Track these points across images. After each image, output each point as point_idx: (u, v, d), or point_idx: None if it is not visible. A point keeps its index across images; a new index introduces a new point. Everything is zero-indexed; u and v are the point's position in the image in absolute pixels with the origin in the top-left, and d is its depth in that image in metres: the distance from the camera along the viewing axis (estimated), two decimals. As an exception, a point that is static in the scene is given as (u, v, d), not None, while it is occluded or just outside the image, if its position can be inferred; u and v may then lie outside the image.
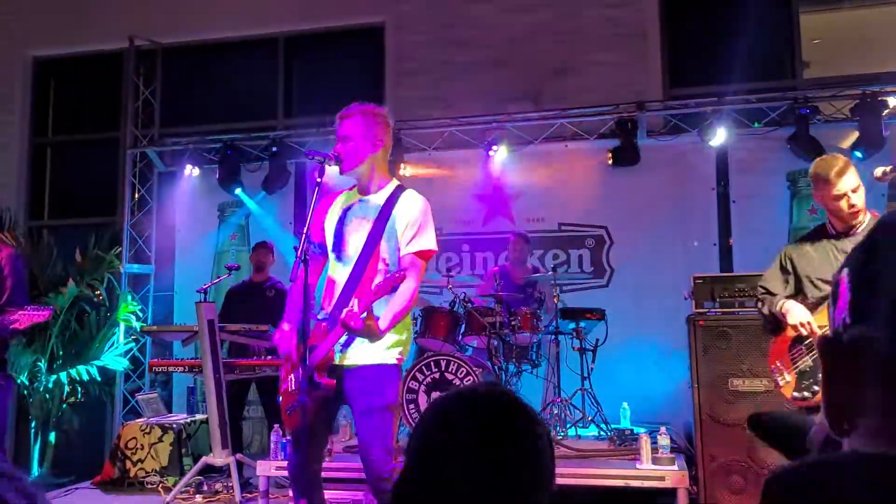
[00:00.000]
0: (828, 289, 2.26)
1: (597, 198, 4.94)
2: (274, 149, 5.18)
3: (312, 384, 2.12)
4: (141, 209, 5.64)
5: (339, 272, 2.24)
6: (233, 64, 5.98)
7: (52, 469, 4.97)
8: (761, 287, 2.44)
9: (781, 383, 2.33)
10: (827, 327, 2.46)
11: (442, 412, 0.84)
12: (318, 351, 2.15)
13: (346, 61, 5.83)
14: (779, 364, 2.34)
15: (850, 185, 2.26)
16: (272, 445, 3.60)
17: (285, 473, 3.52)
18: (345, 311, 2.04)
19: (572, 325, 4.15)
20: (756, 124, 4.70)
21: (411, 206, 2.21)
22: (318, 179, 2.19)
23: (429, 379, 3.81)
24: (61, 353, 5.06)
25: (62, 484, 4.47)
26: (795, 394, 2.26)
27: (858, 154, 4.36)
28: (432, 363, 3.82)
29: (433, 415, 0.85)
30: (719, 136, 4.59)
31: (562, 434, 3.84)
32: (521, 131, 5.01)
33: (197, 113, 6.01)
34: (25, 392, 4.94)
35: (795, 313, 2.24)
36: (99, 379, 5.01)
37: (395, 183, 2.29)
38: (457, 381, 3.75)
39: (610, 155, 4.76)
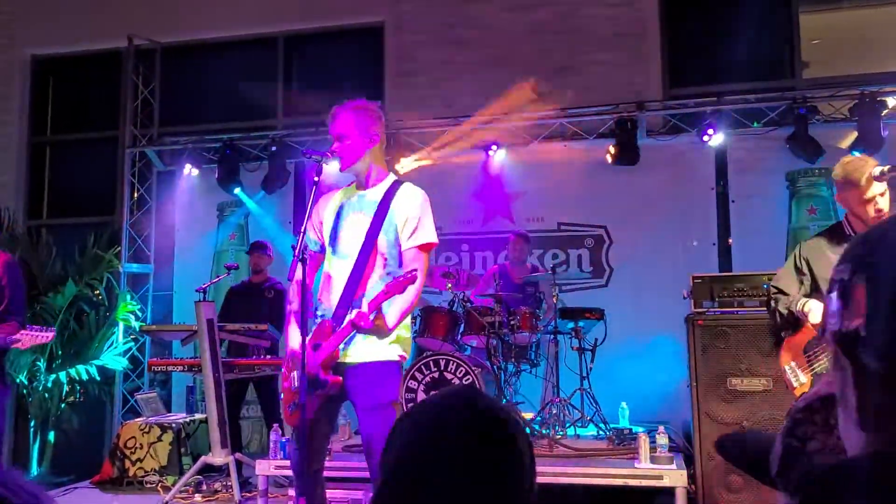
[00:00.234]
0: None
1: (596, 197, 4.94)
2: (273, 148, 5.18)
3: (318, 382, 2.13)
4: (140, 209, 5.64)
5: (337, 267, 2.23)
6: (232, 63, 5.98)
7: (52, 468, 4.97)
8: (774, 287, 2.40)
9: (795, 384, 2.30)
10: None
11: (415, 423, 0.82)
12: (323, 349, 2.15)
13: (346, 61, 5.83)
14: (793, 365, 2.31)
15: (879, 190, 2.22)
16: (271, 445, 3.60)
17: (284, 473, 3.53)
18: (354, 311, 2.05)
19: (571, 325, 4.16)
20: (755, 124, 4.71)
21: (410, 200, 2.21)
22: (316, 178, 2.19)
23: (428, 378, 3.82)
24: (60, 352, 5.06)
25: (61, 483, 4.47)
26: None
27: (857, 154, 4.36)
28: (431, 363, 3.82)
29: (406, 427, 0.83)
30: (718, 136, 4.60)
31: (560, 433, 3.84)
32: (521, 131, 5.02)
33: (196, 112, 6.00)
34: (24, 391, 4.94)
35: (817, 313, 2.21)
36: (98, 378, 5.01)
37: (392, 177, 2.29)
38: (456, 381, 3.75)
39: (610, 151, 4.75)
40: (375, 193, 2.24)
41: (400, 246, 2.19)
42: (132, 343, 5.35)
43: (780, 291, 2.38)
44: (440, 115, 5.05)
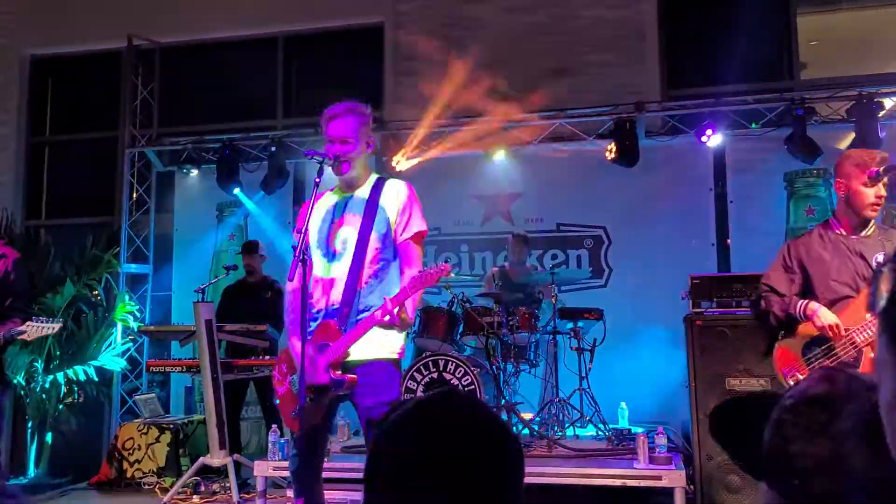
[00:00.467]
0: (845, 291, 2.26)
1: (595, 198, 4.95)
2: (273, 149, 5.17)
3: (333, 382, 2.13)
4: (139, 209, 5.63)
5: (332, 269, 2.23)
6: (232, 63, 5.98)
7: (49, 470, 4.95)
8: (765, 285, 2.37)
9: None
10: (850, 330, 2.40)
11: (398, 431, 0.81)
12: (333, 349, 2.15)
13: (346, 61, 5.84)
14: (794, 370, 2.28)
15: (871, 174, 2.24)
16: (270, 446, 3.60)
17: (283, 474, 3.53)
18: (376, 309, 2.08)
19: (570, 325, 4.16)
20: (753, 125, 4.72)
21: (398, 194, 2.26)
22: (317, 180, 2.20)
23: (427, 379, 3.81)
24: (58, 353, 5.05)
25: (59, 485, 4.46)
26: None
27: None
28: (430, 363, 3.82)
29: (390, 436, 0.81)
30: (717, 137, 4.61)
31: (560, 434, 3.84)
32: (520, 131, 5.02)
33: (196, 112, 6.00)
34: (22, 392, 4.92)
35: (824, 316, 2.19)
36: (96, 379, 5.00)
37: (374, 175, 2.34)
38: (455, 381, 3.75)
39: (610, 149, 4.75)
40: (363, 193, 2.28)
41: (392, 241, 2.24)
42: (131, 344, 5.34)
43: (773, 290, 2.35)
44: (440, 116, 5.05)
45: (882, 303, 0.55)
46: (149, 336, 5.12)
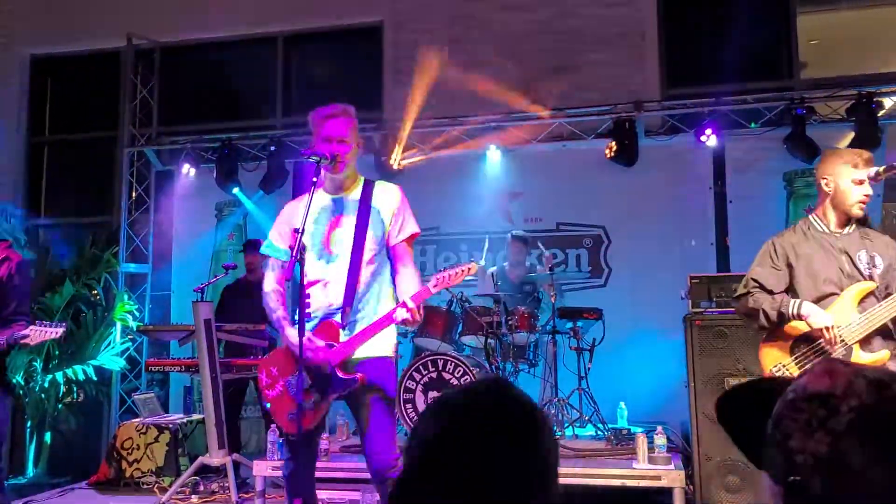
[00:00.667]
0: (830, 288, 2.26)
1: (594, 198, 4.94)
2: (272, 148, 5.17)
3: (338, 382, 2.13)
4: (138, 208, 5.63)
5: (327, 270, 2.23)
6: (231, 63, 5.98)
7: (48, 469, 4.96)
8: (754, 281, 2.36)
9: None
10: (842, 328, 2.41)
11: (443, 411, 0.82)
12: (339, 349, 2.16)
13: (345, 60, 5.83)
14: (782, 366, 2.27)
15: (871, 174, 2.26)
16: (269, 445, 3.60)
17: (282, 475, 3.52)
18: (401, 310, 2.12)
19: (570, 325, 4.16)
20: (753, 124, 4.72)
21: (391, 197, 2.31)
22: (315, 179, 2.20)
23: (426, 378, 3.81)
24: (57, 352, 5.05)
25: (58, 484, 4.46)
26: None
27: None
28: (429, 362, 3.82)
29: (434, 414, 0.82)
30: (716, 137, 4.60)
31: (559, 434, 3.84)
32: (519, 131, 5.02)
33: (195, 112, 6.00)
34: (21, 392, 4.92)
35: (819, 317, 2.18)
36: (95, 379, 5.00)
37: (362, 177, 2.37)
38: (454, 381, 3.75)
39: (608, 149, 4.74)
40: (354, 195, 2.30)
41: (387, 242, 2.28)
42: (130, 343, 5.34)
43: (762, 287, 2.33)
44: (439, 115, 5.05)
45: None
46: (148, 335, 5.12)
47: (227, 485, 3.84)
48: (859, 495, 0.62)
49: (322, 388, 2.17)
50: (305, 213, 2.17)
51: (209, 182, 5.35)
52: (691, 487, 3.29)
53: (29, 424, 5.01)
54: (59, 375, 4.93)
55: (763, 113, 4.67)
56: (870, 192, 2.26)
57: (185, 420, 4.57)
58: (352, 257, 2.21)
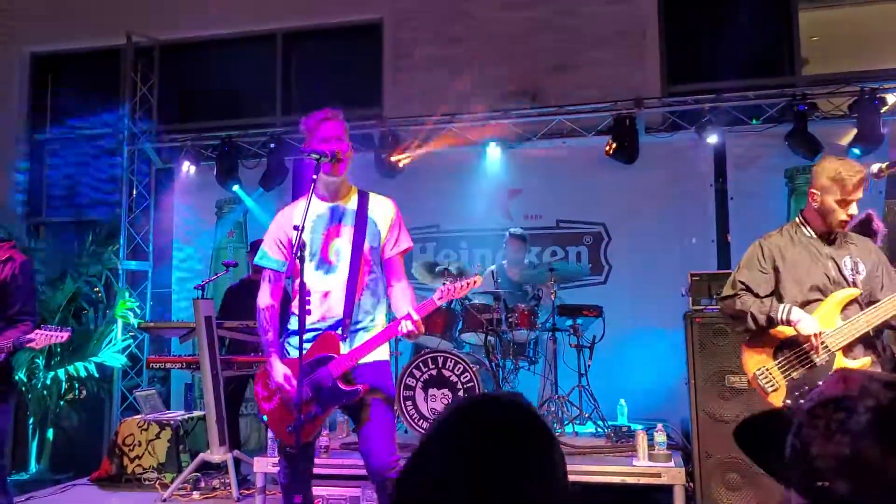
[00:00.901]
0: (815, 295, 2.26)
1: (595, 195, 4.93)
2: (272, 145, 5.17)
3: (339, 393, 2.14)
4: (139, 206, 5.63)
5: (327, 281, 2.21)
6: (231, 60, 5.97)
7: (50, 465, 4.97)
8: (741, 283, 2.35)
9: (769, 390, 2.26)
10: (826, 334, 2.41)
11: (459, 417, 0.82)
12: (340, 361, 2.15)
13: (345, 57, 5.82)
14: (765, 370, 2.28)
15: (859, 196, 2.25)
16: (269, 442, 3.61)
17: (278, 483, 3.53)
18: (406, 322, 2.12)
19: (570, 322, 4.15)
20: (754, 121, 4.70)
21: (386, 210, 2.31)
22: (314, 177, 2.19)
23: (426, 376, 3.81)
24: (59, 349, 5.06)
25: (60, 480, 4.48)
26: (788, 401, 2.20)
27: (856, 151, 4.36)
28: (429, 360, 3.82)
29: (448, 419, 0.82)
30: (717, 133, 4.59)
31: (559, 431, 3.84)
32: (519, 128, 5.01)
33: (195, 109, 5.99)
34: (23, 389, 4.94)
35: (808, 324, 2.17)
36: (97, 375, 5.01)
37: (355, 187, 2.36)
38: (454, 379, 3.75)
39: (609, 146, 4.73)
40: (351, 204, 2.29)
41: (381, 253, 2.29)
42: (131, 340, 5.35)
43: (748, 289, 2.33)
44: (438, 112, 5.04)
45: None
46: (149, 332, 5.13)
47: (228, 481, 3.85)
48: (883, 493, 0.63)
49: (322, 401, 2.16)
50: (305, 211, 2.15)
51: (209, 179, 5.35)
52: (691, 485, 3.29)
53: (31, 421, 5.02)
54: (60, 372, 4.95)
55: (764, 109, 4.65)
56: (855, 212, 2.26)
57: (186, 417, 4.58)
58: (350, 268, 2.20)
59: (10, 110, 6.21)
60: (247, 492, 3.83)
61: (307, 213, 2.17)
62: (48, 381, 4.98)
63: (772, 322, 2.25)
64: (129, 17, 5.79)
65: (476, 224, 5.12)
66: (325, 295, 2.20)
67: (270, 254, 2.29)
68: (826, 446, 0.66)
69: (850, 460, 0.64)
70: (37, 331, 2.66)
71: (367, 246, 2.23)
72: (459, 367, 3.76)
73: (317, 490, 2.66)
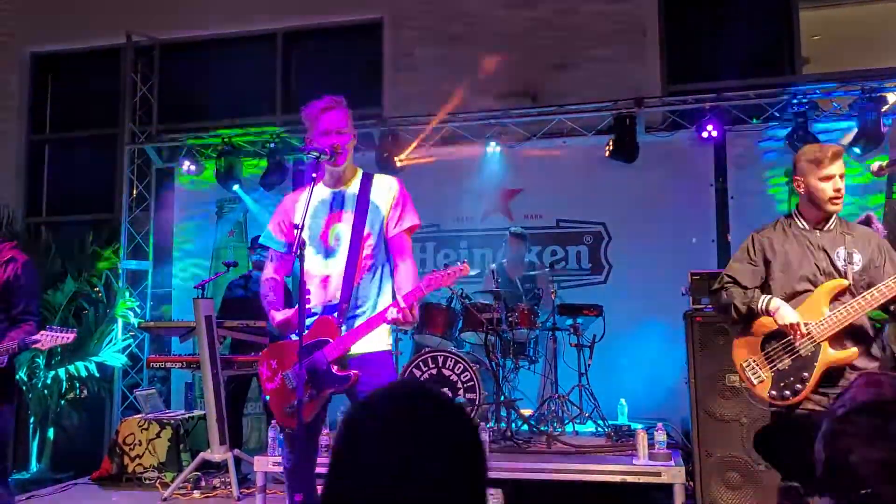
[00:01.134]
0: (805, 285, 2.25)
1: (595, 194, 4.93)
2: (272, 145, 5.17)
3: (332, 378, 2.13)
4: (139, 206, 5.64)
5: (325, 265, 2.23)
6: (231, 60, 5.97)
7: (51, 465, 4.98)
8: (728, 276, 2.36)
9: (756, 382, 2.26)
10: (809, 325, 2.40)
11: (364, 414, 0.82)
12: (335, 345, 2.16)
13: (345, 57, 5.82)
14: (752, 361, 2.27)
15: (839, 170, 2.24)
16: (270, 441, 3.61)
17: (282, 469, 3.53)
18: (392, 310, 2.09)
19: (570, 322, 4.15)
20: (755, 120, 4.70)
21: (389, 189, 2.28)
22: (314, 175, 2.19)
23: (426, 375, 3.81)
24: (59, 349, 5.06)
25: (60, 480, 4.48)
26: (773, 392, 2.20)
27: (857, 150, 4.35)
28: (430, 359, 3.82)
29: (356, 418, 0.82)
30: (717, 132, 4.58)
31: (559, 430, 3.84)
32: (520, 127, 5.01)
33: (195, 109, 5.99)
34: (24, 388, 4.94)
35: (785, 313, 2.19)
36: (97, 375, 5.01)
37: (360, 170, 2.35)
38: (454, 378, 3.75)
39: (609, 146, 4.73)
40: (353, 188, 2.29)
41: (384, 235, 2.26)
42: (131, 340, 5.36)
43: (735, 282, 2.33)
44: (438, 112, 5.03)
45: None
46: (149, 332, 5.13)
47: (228, 480, 3.85)
48: None
49: (317, 384, 2.16)
50: (305, 208, 2.16)
51: (209, 179, 5.36)
52: (692, 484, 3.29)
53: (32, 420, 5.03)
54: (61, 372, 4.95)
55: (765, 109, 4.65)
56: (840, 186, 2.24)
57: (186, 416, 4.58)
58: (349, 253, 2.20)
59: (11, 110, 6.21)
60: (247, 491, 3.83)
61: (308, 208, 2.17)
62: (49, 381, 4.98)
63: (753, 312, 2.26)
64: (129, 16, 5.79)
65: (476, 224, 5.12)
66: (325, 279, 2.22)
67: (273, 235, 2.36)
68: (868, 452, 0.65)
69: (894, 464, 0.63)
70: (42, 332, 2.67)
71: (367, 230, 2.22)
72: (459, 367, 3.76)
73: (321, 489, 2.65)
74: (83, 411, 5.27)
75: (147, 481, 4.19)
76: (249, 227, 5.49)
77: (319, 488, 2.56)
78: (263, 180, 5.22)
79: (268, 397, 2.29)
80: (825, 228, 2.29)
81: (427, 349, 3.91)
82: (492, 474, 3.69)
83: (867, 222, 3.14)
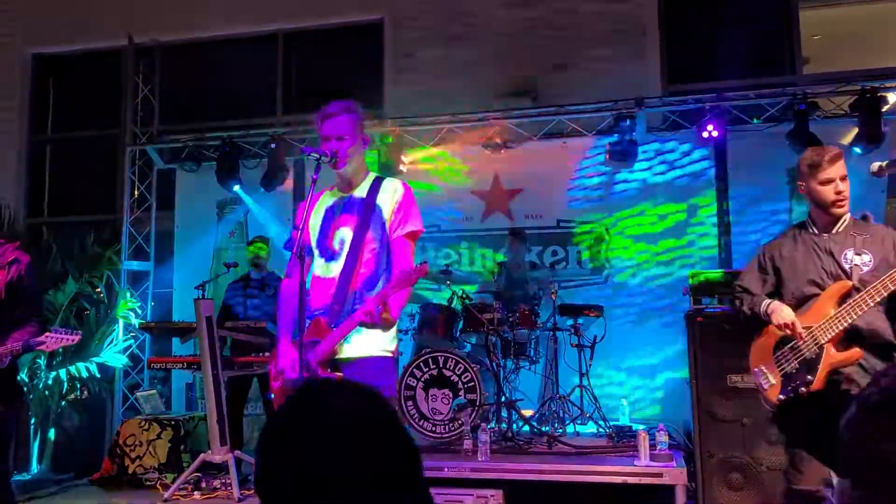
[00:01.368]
0: (812, 289, 2.25)
1: (595, 194, 4.93)
2: (272, 146, 5.17)
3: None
4: (140, 206, 5.64)
5: (329, 269, 2.25)
6: (232, 60, 5.97)
7: (52, 466, 4.97)
8: (738, 286, 2.42)
9: (766, 386, 2.29)
10: (813, 328, 2.42)
11: (289, 414, 0.80)
12: (321, 346, 2.16)
13: (345, 58, 5.83)
14: (763, 367, 2.31)
15: (839, 173, 2.24)
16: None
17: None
18: (360, 307, 2.08)
19: (570, 322, 4.15)
20: (755, 120, 4.69)
21: (394, 193, 2.28)
22: (314, 177, 2.20)
23: (427, 375, 3.81)
24: (60, 349, 5.06)
25: (61, 480, 4.48)
26: (782, 396, 2.23)
27: (857, 150, 4.35)
28: (430, 360, 3.82)
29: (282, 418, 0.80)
30: (718, 132, 4.58)
31: (560, 431, 3.84)
32: (520, 127, 5.00)
33: (196, 110, 6.00)
34: (25, 389, 4.94)
35: (780, 314, 2.22)
36: (98, 376, 5.01)
37: (373, 175, 2.35)
38: (455, 378, 3.75)
39: (609, 146, 4.74)
40: (361, 192, 2.30)
41: (386, 239, 2.25)
42: (132, 340, 5.36)
43: (746, 290, 2.38)
44: (439, 112, 5.04)
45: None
46: (150, 332, 5.13)
47: (229, 481, 3.85)
48: None
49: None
50: (306, 212, 2.19)
51: (210, 180, 5.36)
52: (693, 485, 3.28)
53: (33, 421, 5.03)
54: (62, 372, 4.95)
55: (765, 108, 4.65)
56: (842, 188, 2.24)
57: (187, 417, 4.58)
58: (349, 255, 2.22)
59: (13, 111, 6.22)
60: (248, 492, 3.83)
61: (309, 213, 2.19)
62: (50, 382, 4.98)
63: (756, 316, 2.31)
64: (130, 18, 5.80)
65: (477, 223, 5.12)
66: (328, 282, 2.23)
67: (294, 236, 2.37)
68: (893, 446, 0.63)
69: None
70: (47, 333, 2.67)
71: (370, 234, 2.22)
72: (460, 367, 3.76)
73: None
74: (84, 412, 5.26)
75: (148, 482, 4.19)
76: (250, 227, 5.49)
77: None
78: (264, 181, 5.22)
79: (272, 395, 2.32)
80: (834, 231, 2.29)
81: (427, 350, 3.91)
82: (492, 475, 3.69)
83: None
